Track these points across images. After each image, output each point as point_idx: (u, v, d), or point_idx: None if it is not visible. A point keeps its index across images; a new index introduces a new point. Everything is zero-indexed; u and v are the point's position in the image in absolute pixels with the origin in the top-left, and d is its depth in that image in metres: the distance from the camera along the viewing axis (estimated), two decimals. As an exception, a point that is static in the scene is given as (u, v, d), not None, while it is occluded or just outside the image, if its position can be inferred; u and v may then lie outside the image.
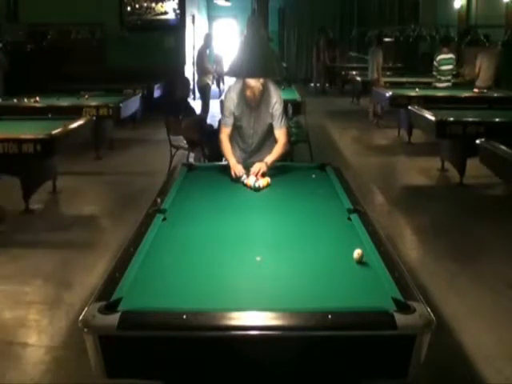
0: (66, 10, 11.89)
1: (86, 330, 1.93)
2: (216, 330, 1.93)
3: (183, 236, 2.85)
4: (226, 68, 4.49)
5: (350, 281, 2.34)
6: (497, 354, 3.21)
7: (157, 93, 11.19)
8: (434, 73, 9.85)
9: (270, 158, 3.95)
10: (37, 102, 8.15)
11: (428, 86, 10.01)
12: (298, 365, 1.99)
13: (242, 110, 4.09)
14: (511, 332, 3.47)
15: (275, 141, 4.12)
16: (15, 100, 8.36)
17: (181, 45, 12.96)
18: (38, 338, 3.42)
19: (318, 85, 16.72)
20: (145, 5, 12.71)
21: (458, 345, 3.29)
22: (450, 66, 9.77)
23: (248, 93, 3.97)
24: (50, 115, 7.05)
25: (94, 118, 7.16)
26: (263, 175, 3.77)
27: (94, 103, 7.98)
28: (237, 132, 4.21)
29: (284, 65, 15.10)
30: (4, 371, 3.06)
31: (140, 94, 9.78)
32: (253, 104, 4.05)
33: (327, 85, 16.93)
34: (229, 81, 5.43)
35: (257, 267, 2.46)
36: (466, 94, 9.12)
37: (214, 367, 2.00)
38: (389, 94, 9.10)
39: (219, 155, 4.32)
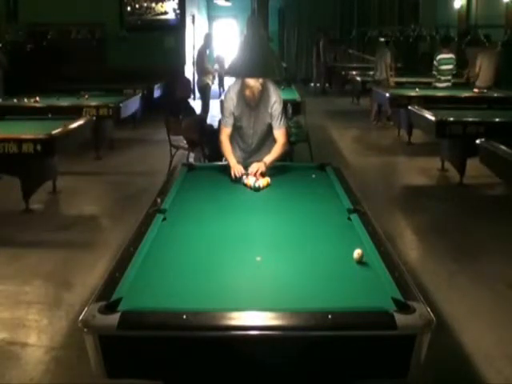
0: (66, 9, 11.90)
1: (85, 330, 1.93)
2: (216, 329, 1.93)
3: (183, 236, 2.85)
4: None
5: (350, 281, 2.33)
6: (497, 354, 3.21)
7: (157, 93, 11.19)
8: (434, 73, 9.84)
9: (269, 158, 3.95)
10: (37, 101, 8.15)
11: (428, 85, 10.00)
12: (297, 365, 1.99)
13: (241, 110, 4.09)
14: (511, 332, 3.47)
15: (275, 141, 4.12)
16: (15, 100, 8.36)
17: (181, 45, 12.96)
18: (38, 338, 3.42)
19: (317, 85, 16.72)
20: (145, 5, 12.72)
21: (458, 345, 3.29)
22: (450, 66, 9.77)
23: (247, 93, 3.97)
24: (50, 115, 7.06)
25: (94, 118, 7.16)
26: (263, 175, 3.77)
27: (93, 103, 7.98)
28: (237, 132, 4.21)
29: (284, 65, 15.10)
30: (4, 371, 3.06)
31: (140, 94, 9.78)
32: (252, 104, 4.05)
33: (327, 85, 16.93)
34: (228, 83, 5.41)
35: (257, 267, 2.46)
36: (465, 93, 9.12)
37: (213, 367, 2.00)
38: (389, 94, 9.10)
39: (219, 155, 4.32)
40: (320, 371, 2.00)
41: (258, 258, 2.53)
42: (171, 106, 7.21)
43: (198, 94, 11.06)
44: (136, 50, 12.19)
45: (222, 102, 4.31)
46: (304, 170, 4.18)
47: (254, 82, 3.91)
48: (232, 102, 4.07)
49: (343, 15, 19.09)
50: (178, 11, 12.77)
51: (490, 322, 3.58)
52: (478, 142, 5.46)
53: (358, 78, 13.12)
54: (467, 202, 6.15)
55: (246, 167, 3.88)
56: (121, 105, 8.07)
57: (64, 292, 3.99)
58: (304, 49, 19.21)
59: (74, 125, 6.17)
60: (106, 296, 2.10)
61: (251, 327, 1.93)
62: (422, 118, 7.08)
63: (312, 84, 17.21)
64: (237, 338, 1.94)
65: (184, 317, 1.93)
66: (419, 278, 4.04)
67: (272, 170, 3.90)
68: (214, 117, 9.36)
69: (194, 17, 14.88)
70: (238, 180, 3.79)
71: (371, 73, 13.68)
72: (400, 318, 1.92)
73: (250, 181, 3.69)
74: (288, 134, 4.52)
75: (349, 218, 3.05)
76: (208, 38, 10.70)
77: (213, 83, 10.56)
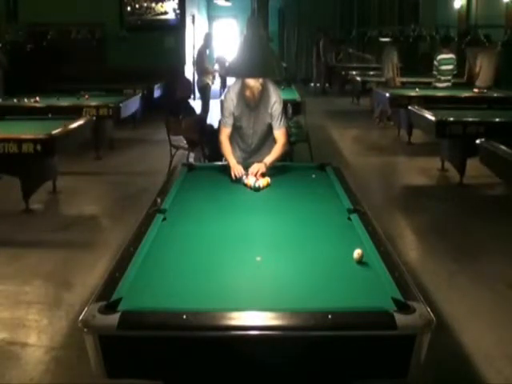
0: (66, 9, 11.90)
1: (85, 329, 1.93)
2: (216, 330, 1.93)
3: (183, 236, 2.85)
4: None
5: (350, 281, 2.33)
6: (497, 354, 3.21)
7: (157, 93, 11.19)
8: (434, 73, 9.84)
9: (269, 159, 3.95)
10: (37, 101, 8.15)
11: (428, 85, 10.00)
12: (297, 365, 1.99)
13: (241, 110, 4.08)
14: (511, 332, 3.47)
15: (275, 141, 4.12)
16: (15, 100, 8.36)
17: (181, 45, 12.96)
18: (38, 338, 3.42)
19: (317, 85, 16.73)
20: (145, 5, 12.72)
21: (458, 345, 3.29)
22: (450, 66, 9.76)
23: (247, 93, 3.97)
24: (50, 115, 7.06)
25: (94, 118, 7.16)
26: (263, 175, 3.77)
27: (93, 103, 7.98)
28: (236, 132, 4.21)
29: (284, 65, 15.10)
30: (4, 371, 3.06)
31: (140, 94, 9.79)
32: (252, 104, 4.05)
33: (327, 85, 16.93)
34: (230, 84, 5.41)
35: (257, 267, 2.46)
36: (465, 94, 9.12)
37: (214, 367, 2.00)
38: (389, 94, 9.10)
39: (219, 155, 4.32)
40: (320, 371, 2.00)
41: (258, 258, 2.53)
42: (171, 106, 7.22)
43: (198, 94, 11.06)
44: (136, 49, 12.20)
45: (221, 102, 4.31)
46: (304, 170, 4.18)
47: (253, 82, 3.90)
48: (232, 102, 4.07)
49: (343, 15, 19.09)
50: (177, 11, 12.78)
51: (490, 322, 3.58)
52: (477, 142, 5.46)
53: (358, 78, 13.11)
54: (467, 202, 6.14)
55: (245, 167, 3.87)
56: (121, 105, 8.07)
57: (64, 292, 3.99)
58: (304, 49, 19.21)
59: (74, 125, 6.17)
60: (106, 296, 2.10)
61: (251, 327, 1.93)
62: (422, 118, 7.07)
63: (312, 84, 17.21)
64: (237, 338, 1.93)
65: (184, 317, 1.93)
66: (419, 278, 4.04)
67: (272, 170, 3.90)
68: (214, 117, 9.37)
69: (193, 17, 14.88)
70: (237, 180, 3.79)
71: (371, 73, 13.69)
72: (400, 318, 1.92)
73: (250, 181, 3.69)
74: (288, 134, 4.52)
75: (349, 218, 3.05)
76: (208, 38, 10.69)
77: (213, 83, 10.55)
